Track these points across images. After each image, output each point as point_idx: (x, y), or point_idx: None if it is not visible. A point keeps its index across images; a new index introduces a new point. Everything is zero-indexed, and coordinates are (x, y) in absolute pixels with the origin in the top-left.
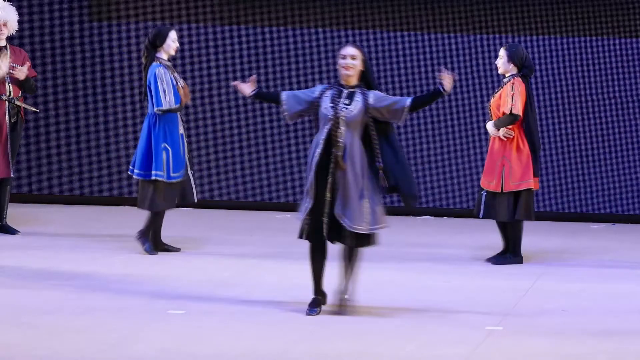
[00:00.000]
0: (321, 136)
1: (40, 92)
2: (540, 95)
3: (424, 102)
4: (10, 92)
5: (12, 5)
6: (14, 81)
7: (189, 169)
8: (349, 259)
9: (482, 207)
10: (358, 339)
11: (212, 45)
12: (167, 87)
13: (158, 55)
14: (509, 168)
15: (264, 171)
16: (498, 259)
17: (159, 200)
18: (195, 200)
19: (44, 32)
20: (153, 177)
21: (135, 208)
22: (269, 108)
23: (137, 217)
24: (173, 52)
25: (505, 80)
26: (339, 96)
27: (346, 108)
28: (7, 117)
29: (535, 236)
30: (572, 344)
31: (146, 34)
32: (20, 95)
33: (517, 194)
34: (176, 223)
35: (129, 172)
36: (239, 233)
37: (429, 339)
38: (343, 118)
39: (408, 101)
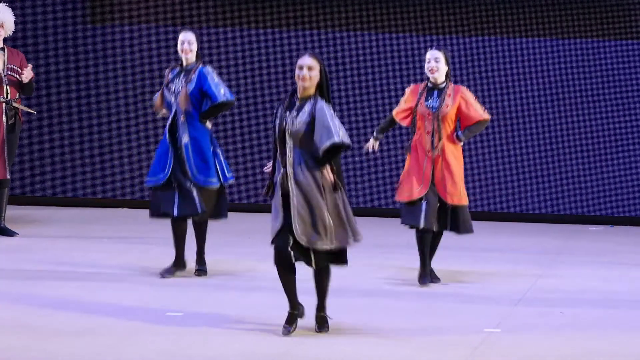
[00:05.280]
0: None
1: (39, 94)
2: (535, 95)
3: (326, 161)
4: (7, 93)
5: (11, 7)
6: (12, 83)
7: (177, 179)
8: (319, 276)
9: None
10: (356, 341)
11: (213, 47)
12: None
13: None
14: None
15: (262, 173)
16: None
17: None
18: (175, 214)
19: (44, 35)
20: None
21: (133, 211)
22: (268, 110)
23: (135, 219)
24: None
25: (443, 86)
26: (290, 108)
27: (292, 121)
28: (4, 118)
29: (533, 238)
30: (571, 346)
31: (147, 36)
32: (17, 97)
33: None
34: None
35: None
36: (237, 235)
37: (427, 341)
38: (289, 131)
39: (324, 147)
